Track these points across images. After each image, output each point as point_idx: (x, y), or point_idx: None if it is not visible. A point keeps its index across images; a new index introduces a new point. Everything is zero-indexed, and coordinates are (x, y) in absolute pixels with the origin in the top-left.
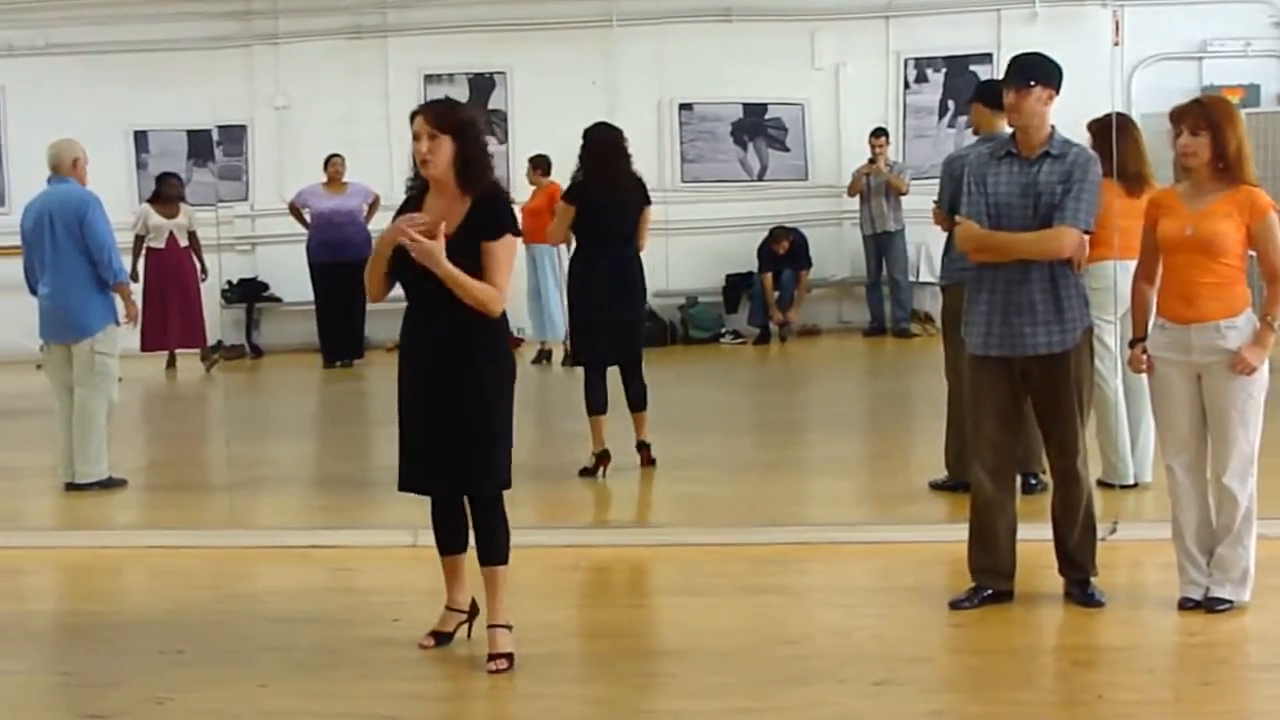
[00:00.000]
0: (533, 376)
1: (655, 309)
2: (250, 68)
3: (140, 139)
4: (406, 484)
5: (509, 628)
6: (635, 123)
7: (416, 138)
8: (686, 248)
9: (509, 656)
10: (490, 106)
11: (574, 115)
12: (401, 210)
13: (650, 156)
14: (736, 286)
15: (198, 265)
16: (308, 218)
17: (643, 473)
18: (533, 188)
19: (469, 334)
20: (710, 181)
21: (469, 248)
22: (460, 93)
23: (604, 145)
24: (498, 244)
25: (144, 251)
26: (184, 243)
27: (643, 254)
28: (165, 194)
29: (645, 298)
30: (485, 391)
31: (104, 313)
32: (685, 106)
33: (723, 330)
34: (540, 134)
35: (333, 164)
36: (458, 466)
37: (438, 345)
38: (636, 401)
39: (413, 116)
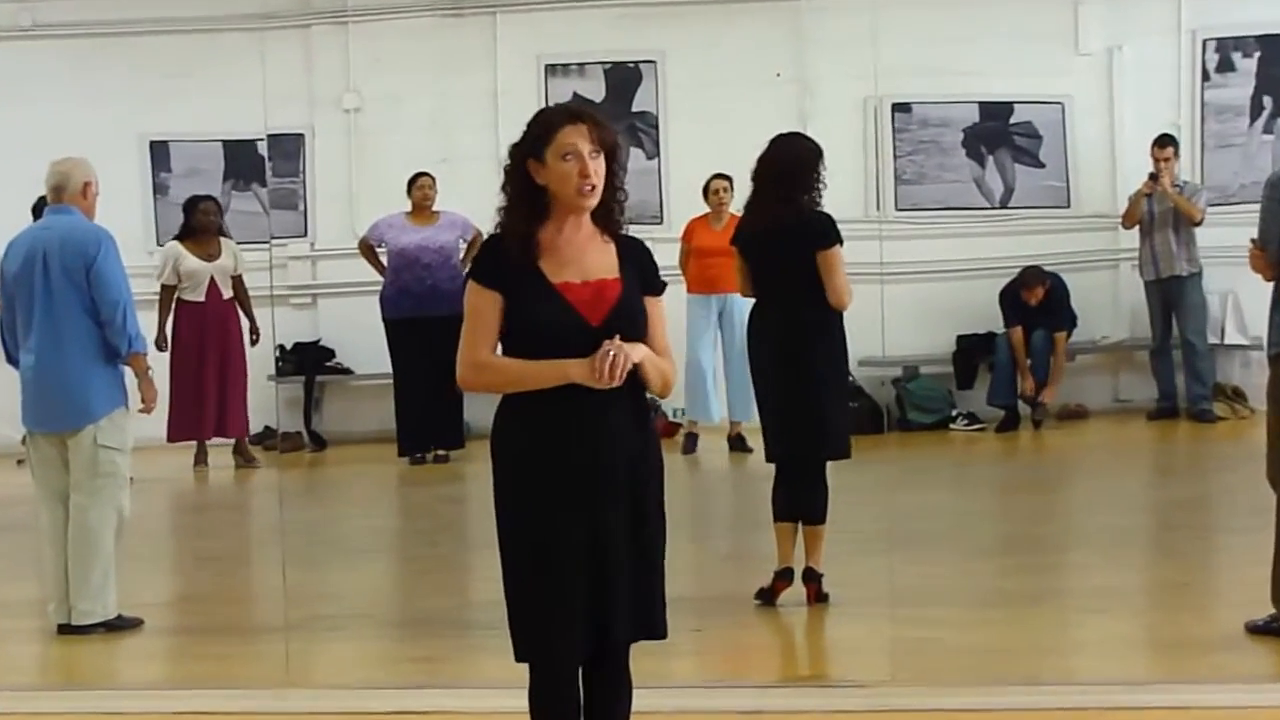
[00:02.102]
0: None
1: (861, 384)
2: (309, 56)
3: (159, 152)
4: (557, 647)
5: None
6: (833, 128)
7: (570, 154)
8: (903, 300)
9: None
10: (634, 108)
11: (750, 119)
12: (493, 255)
13: (854, 175)
14: (971, 353)
15: (245, 323)
16: (385, 259)
17: (822, 611)
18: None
19: (641, 428)
20: (935, 209)
21: (639, 301)
22: (593, 89)
23: (779, 163)
24: (660, 300)
25: (174, 306)
26: (227, 293)
27: (838, 309)
28: (200, 226)
29: (827, 370)
30: (661, 504)
31: (112, 392)
32: (901, 107)
33: (954, 413)
34: (704, 145)
35: (420, 186)
36: (638, 605)
37: (608, 448)
38: (810, 512)
39: (557, 120)
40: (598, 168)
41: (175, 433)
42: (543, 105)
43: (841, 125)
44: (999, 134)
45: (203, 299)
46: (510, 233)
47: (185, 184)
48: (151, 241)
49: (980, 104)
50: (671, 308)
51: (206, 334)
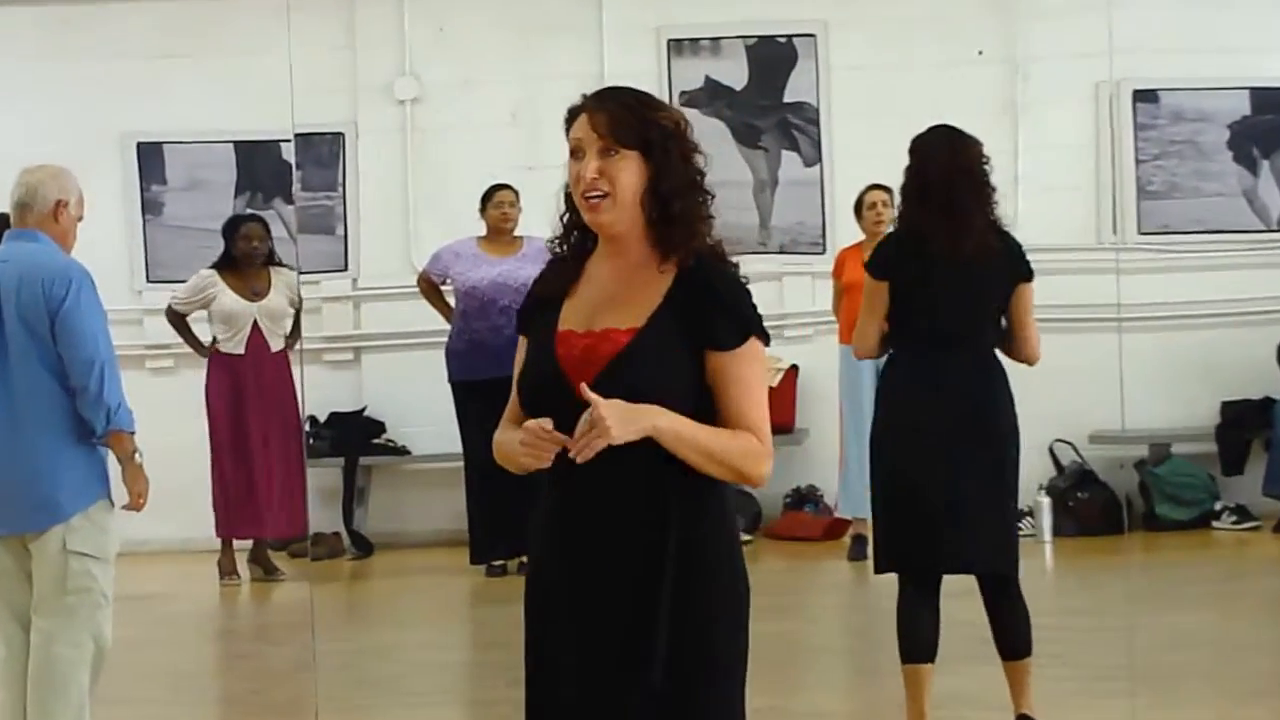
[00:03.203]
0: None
1: (1092, 467)
2: (351, 29)
3: (149, 158)
4: None
5: None
6: (1053, 123)
7: (577, 151)
8: (1148, 354)
9: None
10: (786, 97)
11: (941, 111)
12: (533, 288)
13: (1080, 187)
14: (1241, 425)
15: (298, 383)
16: (453, 301)
17: None
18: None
19: (671, 524)
20: (1191, 233)
21: (667, 362)
22: (732, 71)
23: (940, 168)
24: (742, 355)
25: (211, 360)
26: (276, 344)
27: (1030, 364)
28: (244, 255)
29: (1016, 450)
30: (704, 632)
31: (86, 482)
32: (1145, 95)
33: (1217, 506)
34: (880, 146)
35: (498, 204)
36: None
37: (610, 549)
38: (1012, 642)
39: (570, 115)
40: (612, 169)
41: (228, 527)
42: (664, 89)
43: (1064, 119)
44: (1278, 131)
45: (242, 351)
46: (556, 256)
47: (185, 200)
48: (140, 277)
49: (1252, 91)
50: (825, 363)
51: (244, 398)
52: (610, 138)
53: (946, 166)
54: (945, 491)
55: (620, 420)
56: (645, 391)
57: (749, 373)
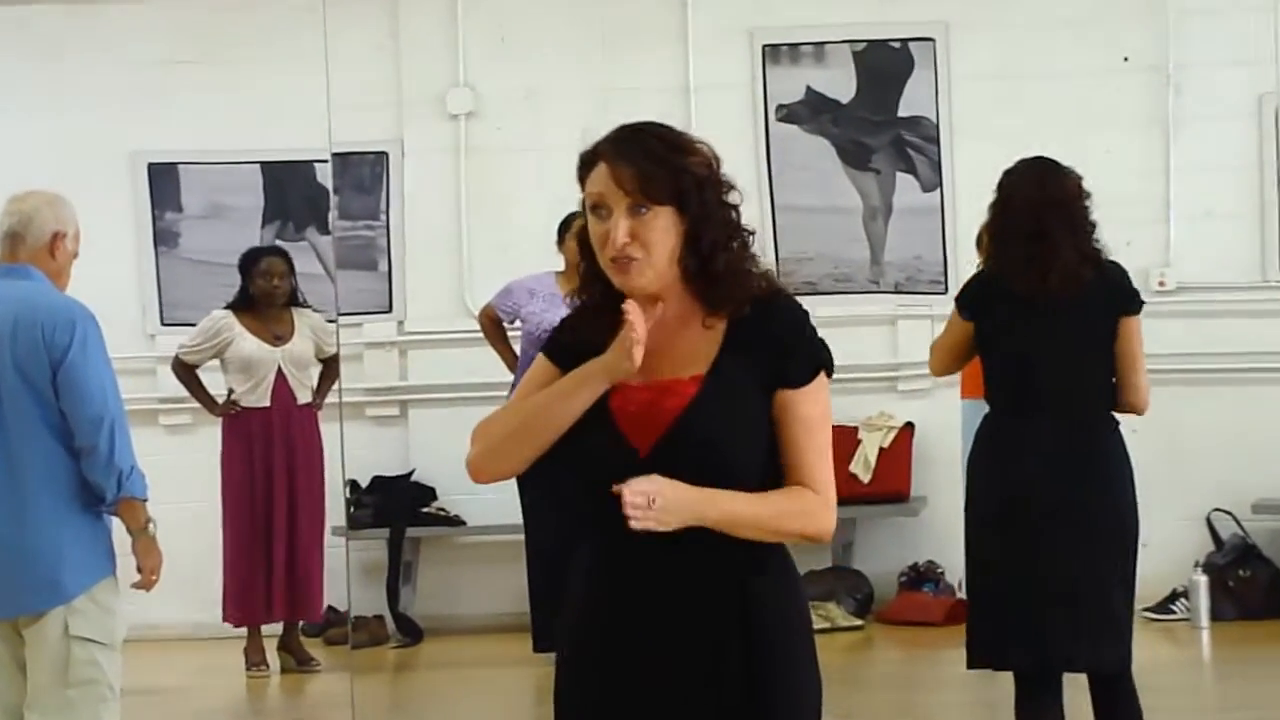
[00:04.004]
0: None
1: (1254, 540)
2: (396, 32)
3: (162, 181)
4: None
5: None
6: (1211, 140)
7: (598, 207)
8: None
9: None
10: (901, 111)
11: (1080, 128)
12: (575, 324)
13: (1243, 215)
14: None
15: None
16: (518, 346)
17: None
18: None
19: (737, 589)
20: None
21: (739, 409)
22: (838, 81)
23: (1025, 200)
24: (809, 391)
25: (226, 420)
26: (303, 396)
27: (1137, 414)
28: (263, 295)
29: (1135, 519)
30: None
31: (92, 557)
32: None
33: None
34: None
35: (578, 232)
36: None
37: (670, 617)
38: None
39: (584, 158)
40: (642, 229)
41: (236, 612)
42: (759, 102)
43: (1224, 136)
44: None
45: (267, 403)
46: (585, 308)
47: (203, 230)
48: (153, 320)
49: None
50: (946, 420)
51: (271, 458)
52: (639, 194)
53: (1033, 199)
54: (1041, 576)
55: (675, 511)
56: (719, 444)
57: (814, 411)
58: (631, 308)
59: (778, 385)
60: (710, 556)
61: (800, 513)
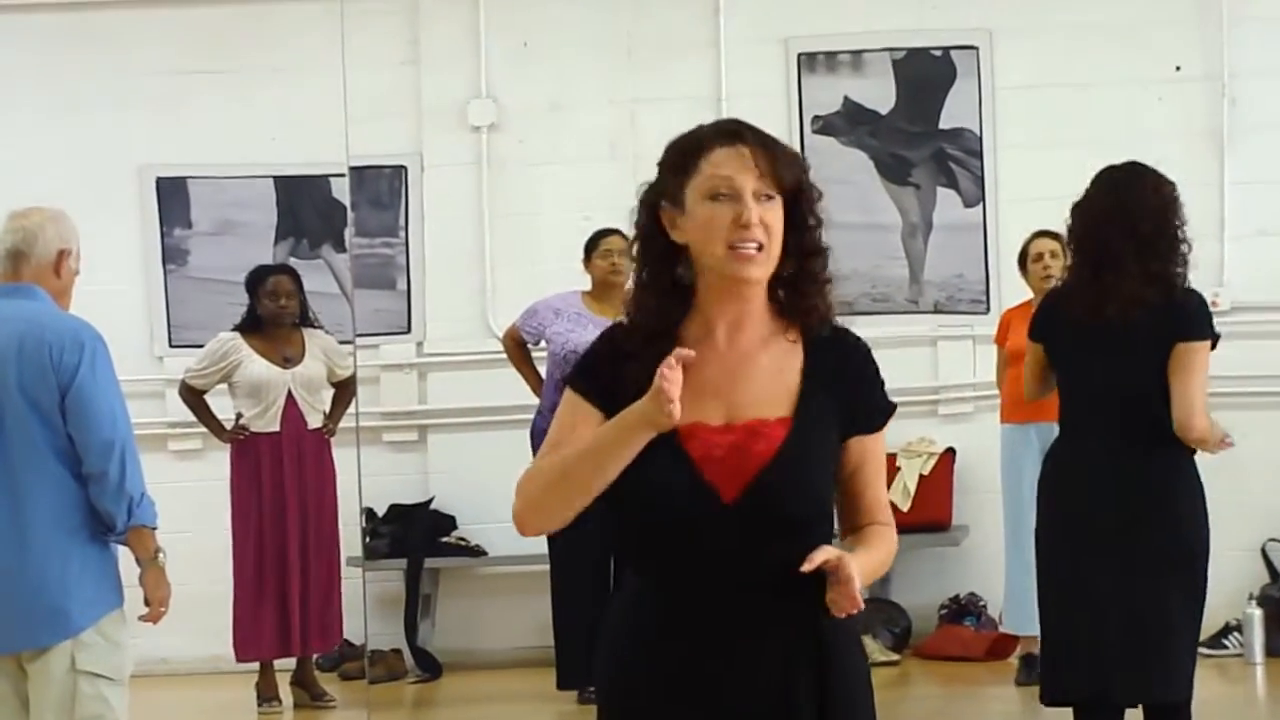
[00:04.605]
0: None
1: None
2: (415, 40)
3: (171, 195)
4: None
5: None
6: (1269, 155)
7: (723, 192)
8: None
9: None
10: (943, 123)
11: (1130, 141)
12: (609, 354)
13: None
14: None
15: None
16: (543, 368)
17: None
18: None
19: (811, 632)
20: None
21: (824, 455)
22: (877, 90)
23: (1094, 213)
24: (881, 434)
25: (235, 447)
26: (314, 420)
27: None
28: (271, 315)
29: (1205, 551)
30: None
31: (100, 589)
32: None
33: None
34: (1056, 184)
35: (605, 252)
36: None
37: (741, 661)
38: None
39: (706, 139)
40: (768, 217)
41: (246, 646)
42: (794, 112)
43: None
44: None
45: (277, 427)
46: (636, 327)
47: (214, 247)
48: (161, 341)
49: None
50: (988, 446)
51: (282, 485)
52: (771, 178)
53: (1102, 215)
54: (1112, 607)
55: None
56: (808, 489)
57: (881, 449)
58: (673, 362)
59: (855, 431)
60: (784, 600)
61: (891, 553)
